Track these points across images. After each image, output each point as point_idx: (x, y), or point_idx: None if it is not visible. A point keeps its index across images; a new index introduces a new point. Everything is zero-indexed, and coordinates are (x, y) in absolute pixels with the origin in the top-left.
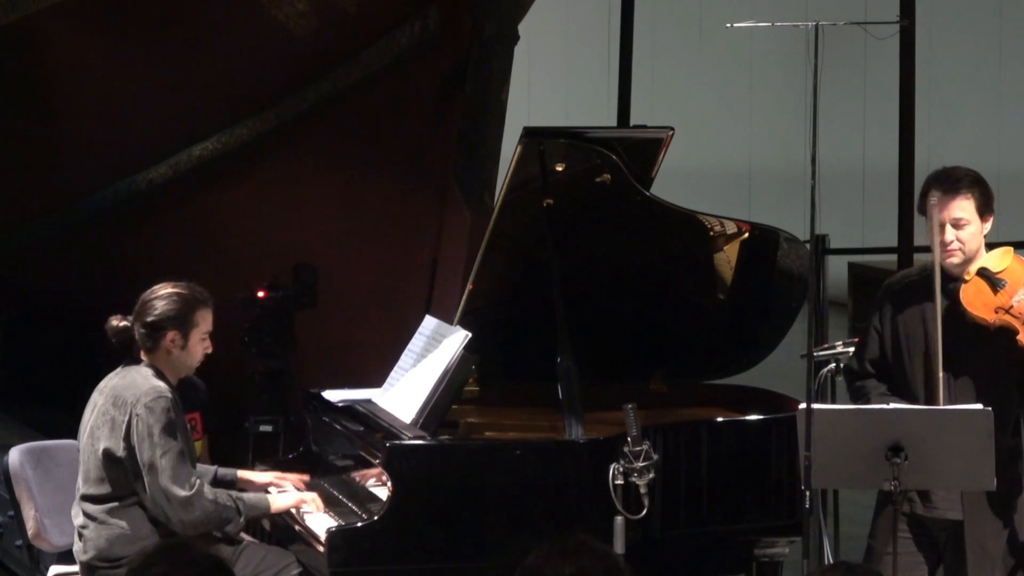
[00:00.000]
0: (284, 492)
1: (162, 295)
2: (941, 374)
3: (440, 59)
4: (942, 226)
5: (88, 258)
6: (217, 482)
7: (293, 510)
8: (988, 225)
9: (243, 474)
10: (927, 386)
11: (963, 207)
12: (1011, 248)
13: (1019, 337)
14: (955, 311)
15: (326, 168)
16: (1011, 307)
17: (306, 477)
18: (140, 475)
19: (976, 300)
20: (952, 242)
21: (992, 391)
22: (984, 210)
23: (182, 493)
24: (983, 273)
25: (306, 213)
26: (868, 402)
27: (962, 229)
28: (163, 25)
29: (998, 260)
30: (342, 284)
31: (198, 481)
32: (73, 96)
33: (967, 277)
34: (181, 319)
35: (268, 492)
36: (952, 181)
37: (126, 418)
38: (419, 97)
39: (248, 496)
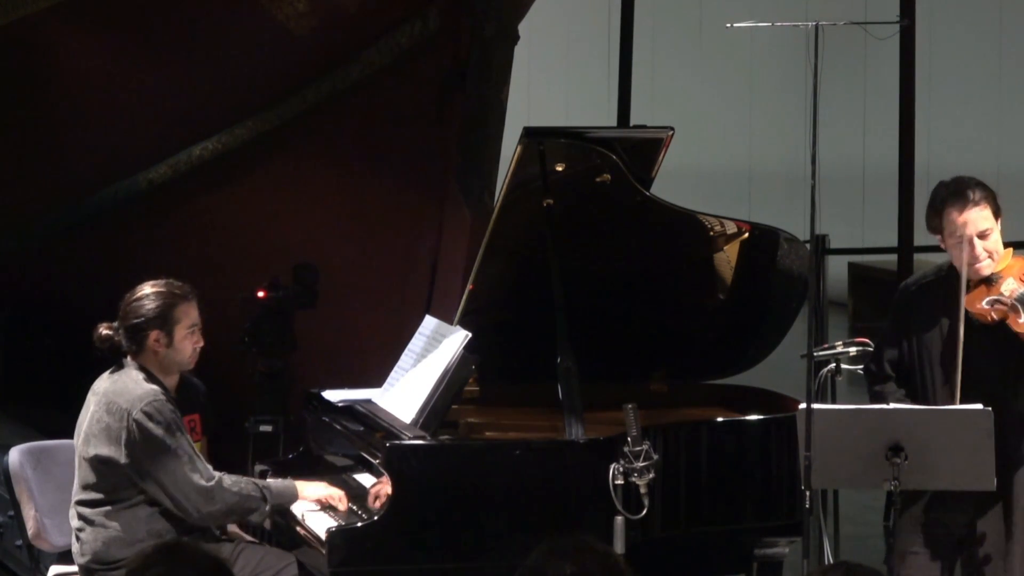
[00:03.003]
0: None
1: (140, 296)
2: (959, 377)
3: (440, 59)
4: (971, 242)
5: (88, 258)
6: None
7: (295, 511)
8: (1000, 224)
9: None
10: (945, 389)
11: (985, 217)
12: (1011, 249)
13: (1008, 322)
14: (964, 316)
15: (326, 168)
16: (1002, 295)
17: None
18: (149, 478)
19: (976, 299)
20: (982, 254)
21: (1000, 391)
22: (997, 212)
23: (203, 483)
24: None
25: (306, 213)
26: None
27: (988, 239)
28: (163, 25)
29: (1000, 261)
30: (342, 284)
31: (216, 473)
32: (73, 96)
33: (971, 285)
34: (162, 317)
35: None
36: (968, 194)
37: (123, 425)
38: (419, 97)
39: (275, 483)
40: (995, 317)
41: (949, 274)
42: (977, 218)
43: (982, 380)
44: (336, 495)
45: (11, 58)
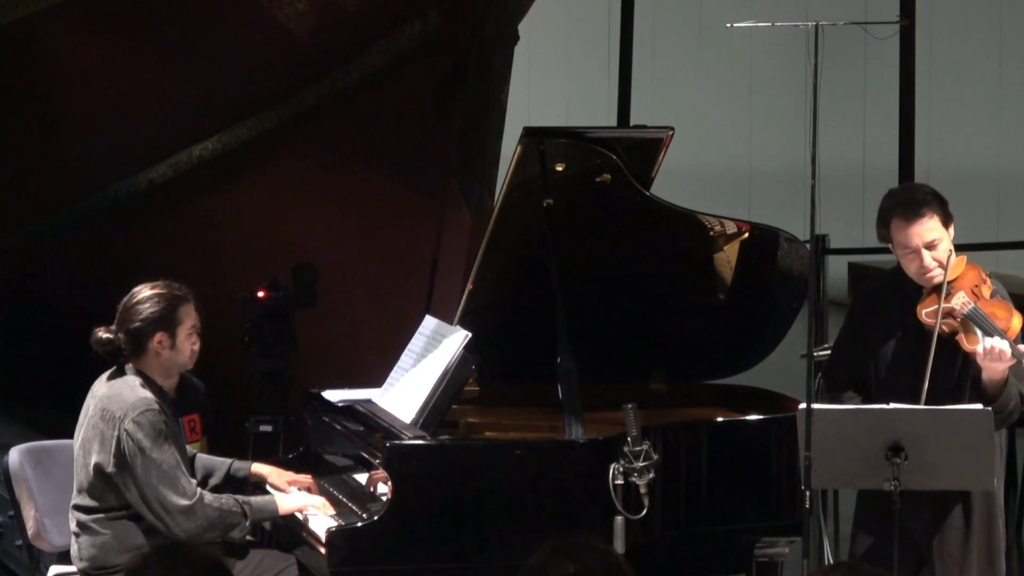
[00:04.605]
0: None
1: (142, 298)
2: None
3: (440, 59)
4: (917, 252)
5: (88, 258)
6: (230, 476)
7: (297, 512)
8: (952, 231)
9: (257, 468)
10: (898, 393)
11: (932, 227)
12: (965, 257)
13: (958, 339)
14: (917, 323)
15: (326, 168)
16: (953, 310)
17: (310, 480)
18: (132, 489)
19: (927, 308)
20: (931, 264)
21: (953, 398)
22: (947, 221)
23: (182, 502)
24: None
25: (306, 213)
26: None
27: (936, 248)
28: (163, 25)
29: (953, 270)
30: (342, 284)
31: (198, 489)
32: (73, 96)
33: (925, 292)
34: (166, 319)
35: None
36: (913, 205)
37: (115, 433)
38: (419, 97)
39: (256, 500)
40: (945, 330)
41: (904, 280)
42: (923, 230)
43: (935, 387)
44: (318, 503)
45: (11, 58)
